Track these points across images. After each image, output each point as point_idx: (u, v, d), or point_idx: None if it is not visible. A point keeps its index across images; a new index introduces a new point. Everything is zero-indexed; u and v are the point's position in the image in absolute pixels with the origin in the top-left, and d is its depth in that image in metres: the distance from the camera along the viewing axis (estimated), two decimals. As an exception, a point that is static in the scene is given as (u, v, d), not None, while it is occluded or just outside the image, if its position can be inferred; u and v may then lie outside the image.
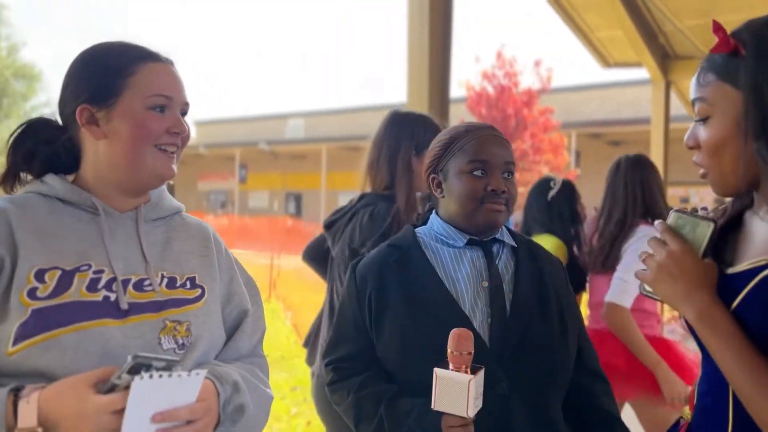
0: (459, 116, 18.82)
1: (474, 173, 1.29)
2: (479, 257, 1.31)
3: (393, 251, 1.34)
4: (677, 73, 6.95)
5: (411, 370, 1.23)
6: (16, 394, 0.90)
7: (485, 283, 1.29)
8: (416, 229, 1.40)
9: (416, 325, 1.24)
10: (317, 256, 2.35)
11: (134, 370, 0.90)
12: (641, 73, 7.39)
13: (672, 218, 1.01)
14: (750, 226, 1.02)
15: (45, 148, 1.11)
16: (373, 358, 1.31)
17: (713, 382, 1.01)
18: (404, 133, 1.97)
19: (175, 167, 1.13)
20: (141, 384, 0.90)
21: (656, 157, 6.80)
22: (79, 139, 1.11)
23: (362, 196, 2.06)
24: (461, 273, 1.29)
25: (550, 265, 1.38)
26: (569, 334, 1.32)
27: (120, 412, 0.90)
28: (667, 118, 7.08)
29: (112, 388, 0.92)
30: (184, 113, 1.14)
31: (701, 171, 1.03)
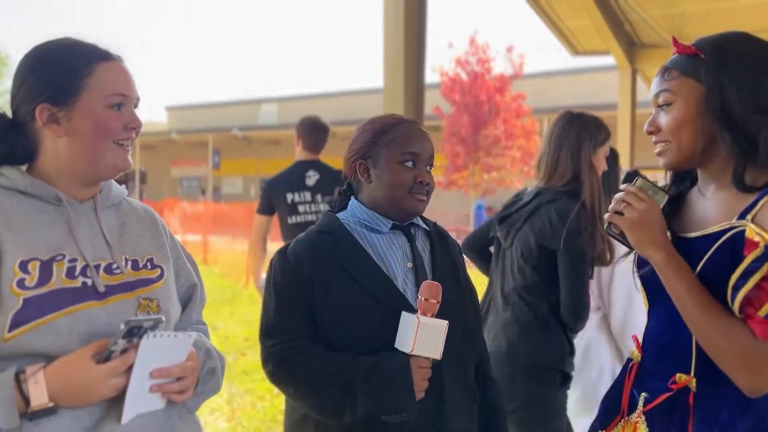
0: (433, 102, 18.93)
1: (405, 164, 1.39)
2: (403, 241, 1.43)
3: (325, 236, 1.40)
4: (643, 61, 7.17)
5: (355, 346, 1.32)
6: (18, 377, 1.02)
7: (410, 264, 1.41)
8: (338, 215, 1.46)
9: (359, 303, 1.33)
10: (477, 246, 2.42)
11: (128, 335, 1.04)
12: (609, 60, 7.59)
13: (640, 182, 1.23)
14: (698, 202, 1.24)
15: (1, 143, 1.17)
16: (316, 334, 1.36)
17: (672, 322, 1.19)
18: (584, 132, 2.13)
19: (130, 159, 1.23)
20: (147, 343, 1.05)
21: (623, 142, 7.02)
22: (36, 134, 1.16)
23: (539, 192, 2.16)
24: (391, 256, 1.40)
25: (453, 244, 1.54)
26: (475, 305, 1.48)
27: (122, 374, 1.05)
28: (634, 105, 7.30)
29: (109, 356, 1.05)
30: (136, 107, 1.24)
31: (658, 149, 1.24)
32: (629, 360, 1.35)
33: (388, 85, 4.03)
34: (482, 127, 17.46)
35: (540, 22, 6.81)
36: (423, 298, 1.28)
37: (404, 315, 1.30)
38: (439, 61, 23.21)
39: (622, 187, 1.23)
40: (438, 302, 1.29)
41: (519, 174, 18.00)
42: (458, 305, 1.42)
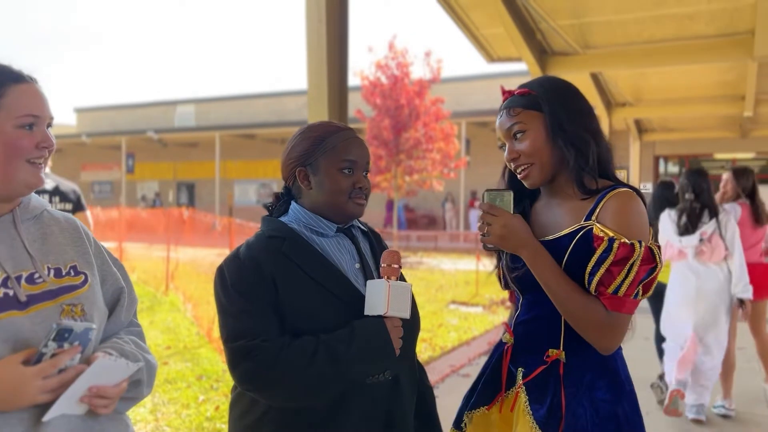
0: (356, 105, 19.04)
1: (344, 171, 1.47)
2: (349, 244, 1.52)
3: (279, 241, 1.43)
4: (554, 68, 7.53)
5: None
6: None
7: (357, 265, 1.50)
8: (282, 219, 1.51)
9: (322, 301, 1.40)
10: None
11: (58, 337, 1.10)
12: (523, 66, 7.91)
13: (486, 197, 1.49)
14: (548, 211, 1.54)
15: None
16: (279, 329, 1.37)
17: (543, 308, 1.49)
18: None
19: (43, 175, 1.27)
20: (101, 362, 1.13)
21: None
22: None
23: None
24: (340, 258, 1.48)
25: (384, 243, 1.64)
26: (413, 302, 1.56)
27: (52, 377, 1.10)
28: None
29: (40, 358, 1.10)
30: (49, 126, 1.28)
31: (523, 172, 1.52)
32: (503, 343, 1.62)
33: (312, 87, 4.06)
34: (403, 130, 17.71)
35: (457, 29, 7.02)
36: (386, 264, 1.42)
37: (371, 282, 1.41)
38: (360, 65, 23.34)
39: (477, 206, 1.48)
40: (400, 267, 1.42)
41: (439, 176, 18.39)
42: None
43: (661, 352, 4.39)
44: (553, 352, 1.48)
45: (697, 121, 14.27)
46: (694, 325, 3.84)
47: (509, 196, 1.49)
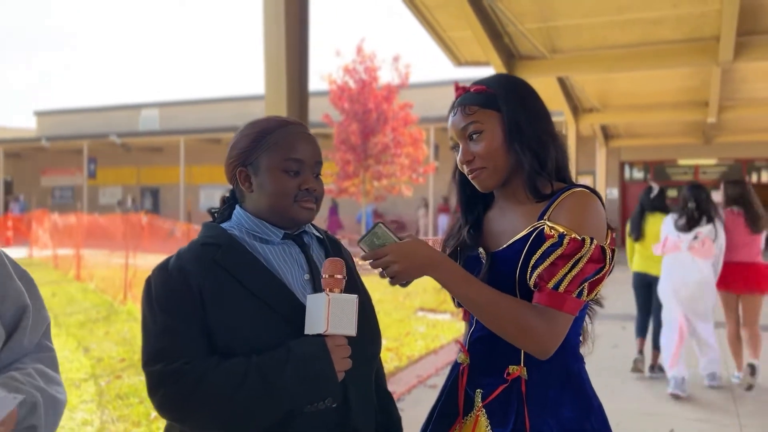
0: (323, 109, 18.86)
1: (288, 171, 1.30)
2: (297, 252, 1.34)
3: (213, 248, 1.27)
4: (521, 72, 7.47)
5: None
6: None
7: (306, 276, 1.32)
8: (223, 225, 1.35)
9: (258, 316, 1.23)
10: None
11: None
12: (491, 71, 7.86)
13: (363, 245, 1.30)
14: (502, 217, 1.45)
15: None
16: (207, 349, 1.22)
17: None
18: None
19: None
20: None
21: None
22: None
23: None
24: (286, 268, 1.31)
25: (346, 251, 1.47)
26: (373, 312, 1.42)
27: None
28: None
29: None
30: None
31: (474, 175, 1.41)
32: (458, 364, 1.48)
33: (270, 91, 3.89)
34: (371, 135, 17.60)
35: (426, 34, 6.92)
36: (327, 275, 1.22)
37: (311, 297, 1.23)
38: (327, 69, 23.16)
39: (359, 259, 1.34)
40: (344, 277, 1.23)
41: (408, 181, 18.31)
42: (364, 311, 1.34)
43: (641, 334, 5.19)
44: (513, 369, 1.36)
45: (662, 127, 14.46)
46: (682, 309, 4.61)
47: (380, 228, 1.30)
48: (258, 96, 24.94)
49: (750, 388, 4.60)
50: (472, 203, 1.51)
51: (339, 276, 1.22)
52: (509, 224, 1.42)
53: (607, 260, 1.28)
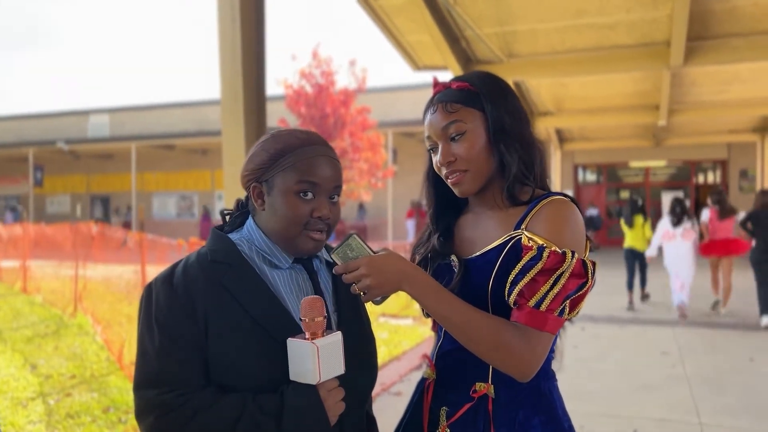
0: (279, 114, 18.66)
1: (302, 195, 1.22)
2: (305, 279, 1.28)
3: (222, 269, 1.20)
4: (479, 77, 7.52)
5: (255, 390, 1.16)
6: None
7: None
8: (234, 239, 1.27)
9: (261, 347, 1.16)
10: None
11: None
12: (450, 75, 7.88)
13: (336, 257, 1.21)
14: (476, 224, 1.36)
15: None
16: (203, 378, 1.17)
17: None
18: None
19: None
20: None
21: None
22: None
23: None
24: (292, 296, 1.24)
25: None
26: (374, 345, 1.36)
27: None
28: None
29: None
30: None
31: (454, 178, 1.32)
32: (424, 379, 1.40)
33: (226, 95, 3.77)
34: (329, 140, 17.49)
35: (384, 38, 6.88)
36: (308, 319, 1.12)
37: (293, 343, 1.13)
38: (284, 74, 22.97)
39: (336, 272, 1.21)
40: (324, 317, 1.13)
41: (367, 186, 18.25)
42: (360, 341, 1.29)
43: (629, 289, 8.61)
44: (480, 387, 1.27)
45: (614, 130, 14.80)
46: (676, 269, 7.94)
47: (354, 239, 1.21)
48: (213, 101, 24.54)
49: (714, 306, 8.10)
50: (445, 208, 1.42)
51: (320, 318, 1.13)
52: (483, 231, 1.34)
53: (589, 274, 1.20)
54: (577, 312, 1.22)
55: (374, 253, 1.22)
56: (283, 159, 1.23)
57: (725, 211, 8.05)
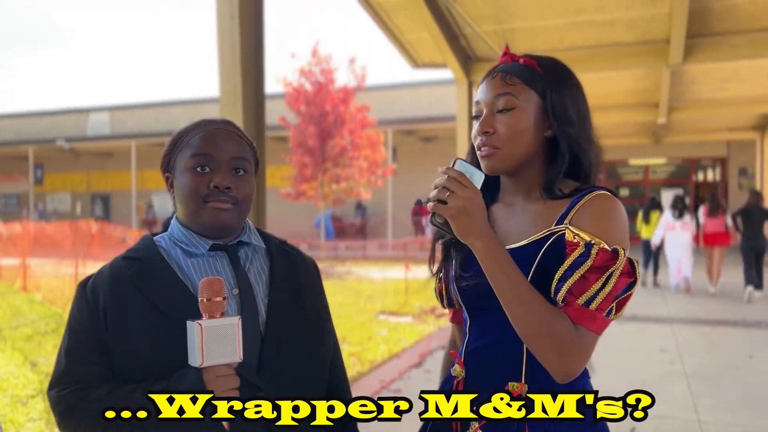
0: (279, 112, 18.65)
1: (197, 169, 1.19)
2: (225, 265, 1.23)
3: (129, 264, 1.19)
4: (478, 74, 7.51)
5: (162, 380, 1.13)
6: None
7: (235, 291, 1.21)
8: (155, 237, 1.27)
9: (167, 339, 1.13)
10: None
11: None
12: (448, 73, 7.87)
13: (458, 164, 1.17)
14: (510, 215, 1.29)
15: None
16: (108, 375, 1.16)
17: (498, 331, 1.23)
18: None
19: None
20: None
21: (462, 153, 7.30)
22: None
23: None
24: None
25: (305, 265, 1.36)
26: (326, 333, 1.32)
27: None
28: (470, 116, 7.64)
29: None
30: None
31: (486, 151, 1.25)
32: (452, 378, 1.33)
33: (225, 93, 3.77)
34: (329, 138, 17.48)
35: (382, 36, 6.88)
36: (204, 299, 1.07)
37: (189, 324, 1.09)
38: (283, 71, 22.98)
39: (441, 170, 1.16)
40: (224, 298, 1.08)
41: (366, 184, 18.25)
42: (294, 335, 1.22)
43: (645, 269, 10.41)
44: (513, 387, 1.21)
45: (614, 128, 14.79)
46: (677, 256, 9.63)
47: (480, 177, 1.18)
48: (212, 99, 24.53)
49: (714, 295, 9.34)
50: (483, 186, 1.33)
51: (218, 298, 1.07)
52: (518, 223, 1.26)
53: (637, 274, 1.15)
54: (622, 313, 1.18)
55: (479, 186, 1.17)
56: (180, 141, 1.24)
57: (713, 209, 9.75)
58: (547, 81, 1.24)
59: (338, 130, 17.49)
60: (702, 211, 9.79)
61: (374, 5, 6.04)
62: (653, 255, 10.37)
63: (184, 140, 1.23)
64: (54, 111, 28.97)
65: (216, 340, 1.06)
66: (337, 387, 1.37)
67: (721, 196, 10.81)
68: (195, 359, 1.06)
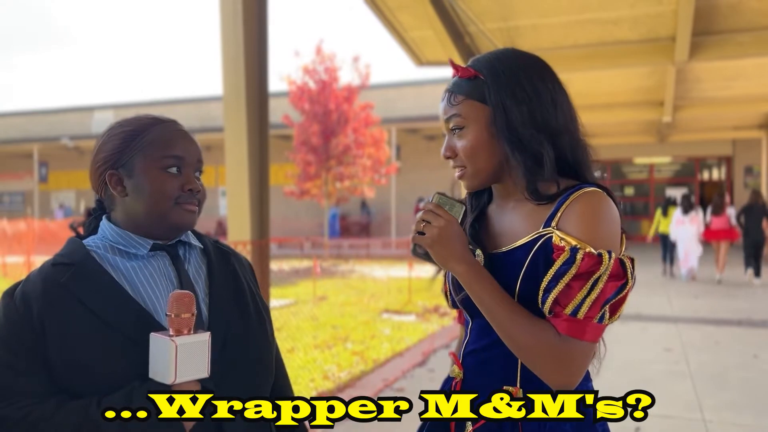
0: (283, 110, 18.66)
1: (168, 170, 1.18)
2: (166, 264, 1.21)
3: (61, 270, 1.13)
4: (482, 72, 7.51)
5: (108, 391, 1.08)
6: None
7: None
8: (84, 241, 1.21)
9: (111, 348, 1.09)
10: None
11: None
12: (452, 72, 7.85)
13: (436, 198, 1.23)
14: (501, 217, 1.28)
15: None
16: (49, 387, 1.10)
17: (492, 336, 1.21)
18: None
19: None
20: None
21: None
22: None
23: None
24: (150, 285, 1.17)
25: (239, 262, 1.35)
26: (267, 327, 1.31)
27: None
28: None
29: None
30: None
31: (458, 173, 1.26)
32: (450, 378, 1.33)
33: (228, 91, 3.77)
34: (332, 136, 17.48)
35: (386, 34, 6.87)
36: (173, 315, 1.05)
37: (154, 338, 1.06)
38: (287, 70, 22.99)
39: (420, 206, 1.21)
40: (193, 314, 1.06)
41: (370, 182, 18.24)
42: (237, 331, 1.21)
43: (663, 261, 12.02)
44: (510, 390, 1.20)
45: (619, 126, 14.75)
46: (685, 246, 11.11)
47: (460, 209, 1.21)
48: (216, 97, 24.57)
49: (718, 282, 10.76)
50: (478, 193, 1.33)
51: (186, 315, 1.05)
52: (508, 225, 1.25)
53: (628, 274, 1.11)
54: (619, 315, 1.15)
55: (458, 219, 1.22)
56: (139, 139, 1.19)
57: (716, 208, 11.39)
58: (491, 85, 1.20)
59: (342, 128, 17.48)
60: (709, 210, 11.49)
61: (378, 3, 6.03)
62: (670, 247, 11.87)
63: (145, 138, 1.19)
64: (58, 109, 29.07)
65: (188, 357, 1.04)
66: (280, 384, 1.36)
67: (726, 196, 12.40)
68: (166, 376, 1.04)
